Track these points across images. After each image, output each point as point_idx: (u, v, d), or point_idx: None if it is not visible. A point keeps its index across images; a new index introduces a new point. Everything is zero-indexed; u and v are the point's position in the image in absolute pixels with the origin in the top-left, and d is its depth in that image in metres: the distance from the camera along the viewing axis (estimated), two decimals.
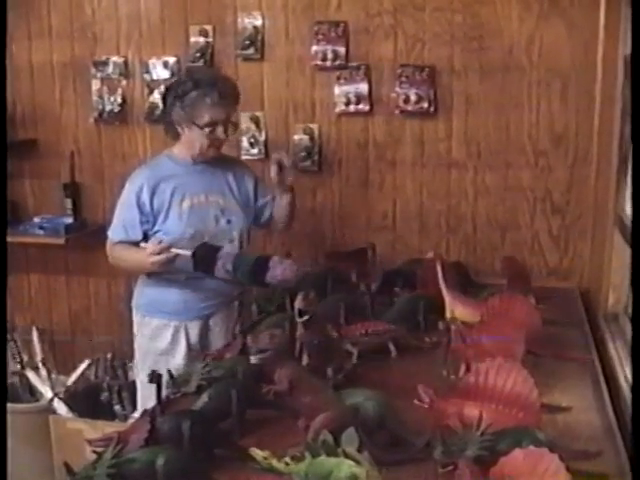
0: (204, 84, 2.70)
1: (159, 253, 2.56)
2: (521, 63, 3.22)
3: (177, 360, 2.75)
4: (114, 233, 2.78)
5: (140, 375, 2.86)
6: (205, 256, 2.58)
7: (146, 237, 2.72)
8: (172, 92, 2.74)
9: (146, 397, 2.73)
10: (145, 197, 2.72)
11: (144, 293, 2.86)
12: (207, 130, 2.68)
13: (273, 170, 2.82)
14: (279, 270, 2.49)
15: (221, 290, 2.76)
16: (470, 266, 3.20)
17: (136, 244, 2.70)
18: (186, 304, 2.77)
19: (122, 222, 2.76)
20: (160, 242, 2.59)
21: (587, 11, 3.11)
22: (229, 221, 2.80)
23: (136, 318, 2.89)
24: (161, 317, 2.81)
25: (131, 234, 2.73)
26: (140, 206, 2.73)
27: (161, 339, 2.81)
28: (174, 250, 2.57)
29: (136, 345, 2.91)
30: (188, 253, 2.57)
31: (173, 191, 2.74)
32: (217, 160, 2.83)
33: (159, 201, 2.73)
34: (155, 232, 2.73)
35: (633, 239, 1.87)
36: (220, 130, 2.70)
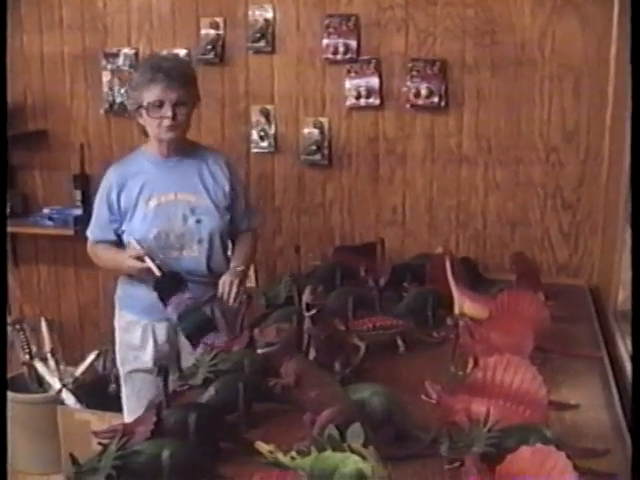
0: (146, 65, 2.67)
1: (136, 258, 2.54)
2: (533, 58, 3.20)
3: (146, 357, 2.72)
4: (90, 232, 2.76)
5: (120, 369, 2.84)
6: (165, 288, 2.52)
7: (119, 237, 2.69)
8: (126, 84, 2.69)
9: (129, 391, 2.78)
10: (114, 195, 2.67)
11: (121, 287, 2.81)
12: (153, 111, 2.57)
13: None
14: (212, 339, 2.41)
15: (190, 294, 2.61)
16: (479, 262, 3.19)
17: (116, 244, 2.68)
18: (153, 305, 2.61)
19: (95, 221, 2.74)
20: (142, 248, 2.56)
21: (601, 6, 3.09)
22: (199, 221, 2.67)
23: (116, 310, 2.85)
24: (132, 314, 2.76)
25: (105, 234, 2.70)
26: (109, 205, 2.68)
27: (132, 335, 2.76)
28: (148, 262, 2.53)
29: (116, 336, 2.87)
30: (157, 273, 2.52)
31: (141, 189, 2.66)
32: (190, 153, 2.73)
33: (127, 199, 2.66)
34: (122, 232, 2.68)
35: (633, 240, 1.85)
36: (165, 109, 2.56)
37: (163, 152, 2.69)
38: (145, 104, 2.57)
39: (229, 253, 2.81)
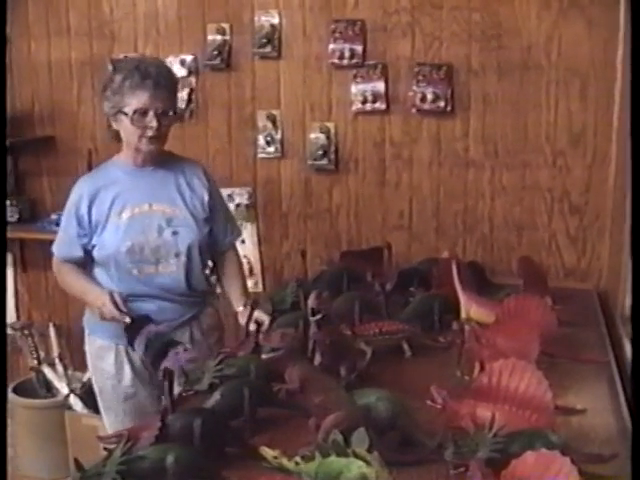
0: (125, 68, 2.44)
1: (114, 304, 2.38)
2: (540, 62, 3.19)
3: (125, 384, 2.56)
4: (55, 248, 2.59)
5: (98, 398, 2.67)
6: (134, 332, 2.34)
7: (86, 252, 2.52)
8: (100, 87, 2.53)
9: (111, 421, 2.61)
10: (84, 209, 2.48)
11: (87, 309, 2.62)
12: (136, 119, 2.40)
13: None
14: (171, 361, 2.17)
15: (165, 316, 2.49)
16: (486, 266, 3.17)
17: (83, 265, 2.54)
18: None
19: (61, 237, 2.57)
20: (123, 299, 2.40)
21: (607, 9, 3.08)
22: (175, 232, 2.49)
23: (85, 334, 2.67)
24: (103, 338, 2.56)
25: (71, 250, 2.53)
26: (79, 219, 2.49)
27: (105, 361, 2.58)
28: (117, 313, 2.37)
29: (88, 363, 2.70)
30: (127, 321, 2.37)
31: (113, 200, 2.48)
32: (166, 162, 2.56)
33: (98, 212, 2.48)
34: (92, 247, 2.51)
35: (633, 243, 1.84)
36: (150, 118, 2.39)
37: (138, 162, 2.52)
38: (128, 111, 2.40)
39: (207, 271, 2.70)
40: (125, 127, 2.45)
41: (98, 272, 2.55)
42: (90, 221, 2.49)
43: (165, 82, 2.44)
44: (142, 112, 2.40)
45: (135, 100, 2.39)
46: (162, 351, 2.25)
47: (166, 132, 2.48)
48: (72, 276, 2.57)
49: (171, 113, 2.46)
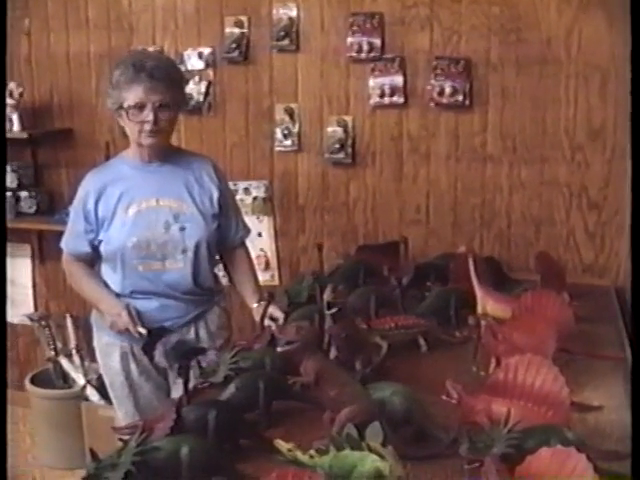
0: (127, 62, 2.41)
1: (130, 317, 2.40)
2: (559, 56, 3.17)
3: (131, 379, 2.57)
4: (64, 243, 2.59)
5: (110, 391, 2.67)
6: (153, 345, 2.27)
7: (93, 248, 2.52)
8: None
9: (122, 414, 2.63)
10: (91, 204, 2.48)
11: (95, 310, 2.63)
12: (134, 114, 2.38)
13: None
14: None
15: (168, 314, 2.51)
16: (503, 261, 3.17)
17: (92, 266, 2.54)
18: None
19: (69, 232, 2.57)
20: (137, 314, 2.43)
21: (628, 2, 3.04)
22: (183, 228, 2.47)
23: (93, 331, 2.68)
24: (109, 335, 2.55)
25: (78, 245, 2.53)
26: (86, 214, 2.49)
27: (111, 358, 2.58)
28: (132, 325, 2.41)
29: (97, 358, 2.71)
30: (143, 333, 2.41)
31: (120, 196, 2.46)
32: (174, 158, 2.55)
33: (105, 208, 2.47)
34: (99, 242, 2.50)
35: (632, 241, 1.82)
36: (147, 112, 2.37)
37: (144, 157, 2.50)
38: (125, 105, 2.39)
39: (216, 269, 2.70)
40: (126, 122, 2.44)
41: (105, 268, 2.56)
42: (97, 217, 2.49)
43: (162, 75, 2.39)
44: (139, 107, 2.38)
45: (131, 95, 2.37)
46: (186, 358, 2.18)
47: (168, 126, 2.46)
48: (84, 279, 2.58)
49: (171, 107, 2.42)
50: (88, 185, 2.53)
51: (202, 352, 2.22)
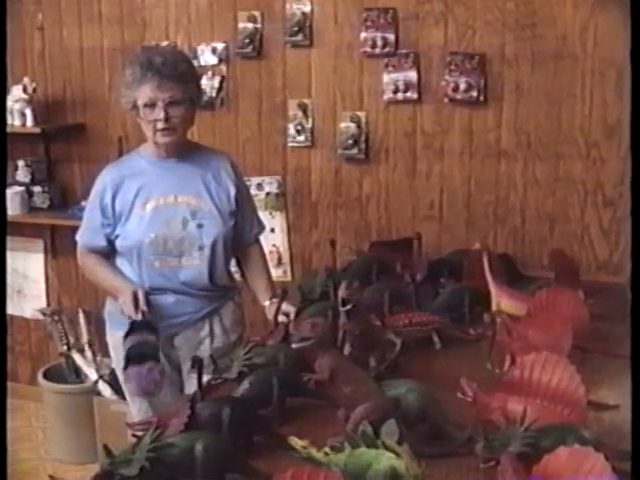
0: (136, 61, 2.40)
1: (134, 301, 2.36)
2: (575, 52, 3.14)
3: None
4: (79, 237, 2.58)
5: (124, 386, 2.55)
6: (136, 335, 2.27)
7: (109, 242, 2.51)
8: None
9: (136, 410, 2.58)
10: (108, 198, 2.47)
11: (110, 301, 2.61)
12: (146, 113, 2.38)
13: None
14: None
15: (183, 309, 2.51)
16: (518, 258, 3.15)
17: (106, 255, 2.53)
18: None
19: (85, 225, 2.56)
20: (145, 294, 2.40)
21: None
22: (200, 225, 2.46)
23: (106, 326, 2.68)
24: (120, 330, 2.44)
25: (95, 239, 2.52)
26: (103, 208, 2.48)
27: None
28: (132, 309, 2.36)
29: (111, 354, 2.72)
30: (136, 317, 2.35)
31: (138, 191, 2.45)
32: (192, 154, 2.53)
33: (122, 202, 2.46)
34: (116, 237, 2.49)
35: (633, 240, 1.80)
36: (158, 110, 2.36)
37: (161, 154, 2.50)
38: (137, 105, 2.38)
39: (231, 266, 2.67)
40: (140, 121, 2.44)
41: (121, 263, 2.55)
42: (114, 211, 2.48)
43: (171, 72, 2.37)
44: (150, 105, 2.37)
45: (142, 94, 2.37)
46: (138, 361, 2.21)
47: (182, 122, 2.43)
48: (98, 267, 2.56)
49: (183, 102, 2.40)
50: (105, 179, 2.52)
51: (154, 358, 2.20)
